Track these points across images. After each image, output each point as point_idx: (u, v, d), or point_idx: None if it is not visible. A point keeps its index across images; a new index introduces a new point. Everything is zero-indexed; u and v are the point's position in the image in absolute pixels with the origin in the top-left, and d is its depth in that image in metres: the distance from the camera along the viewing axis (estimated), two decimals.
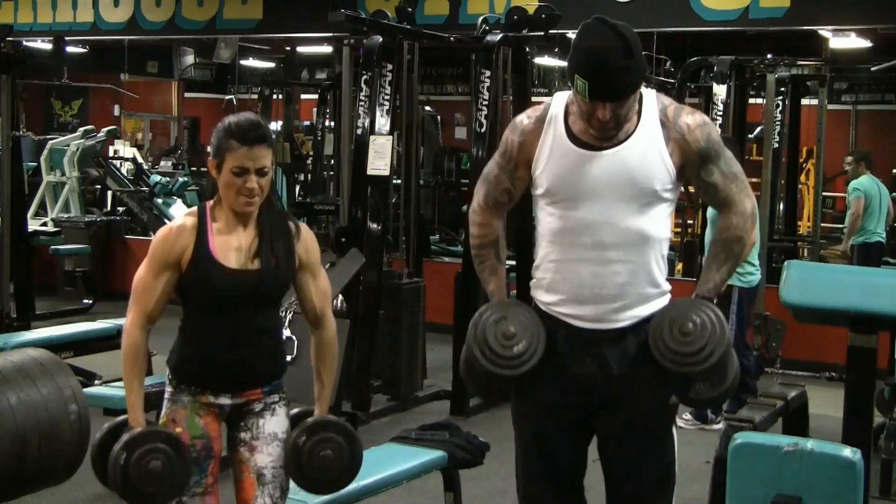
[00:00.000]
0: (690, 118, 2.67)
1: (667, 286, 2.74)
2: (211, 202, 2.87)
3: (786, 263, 4.20)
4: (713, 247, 2.73)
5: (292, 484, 2.95)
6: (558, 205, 2.68)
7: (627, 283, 2.66)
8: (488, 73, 6.52)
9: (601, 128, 2.58)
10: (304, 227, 2.98)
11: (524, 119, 2.78)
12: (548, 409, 2.79)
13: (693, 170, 2.66)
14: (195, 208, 2.90)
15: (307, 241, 2.94)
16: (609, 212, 2.62)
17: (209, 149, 2.86)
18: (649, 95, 2.69)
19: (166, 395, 2.88)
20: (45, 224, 11.12)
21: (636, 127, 2.63)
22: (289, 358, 3.02)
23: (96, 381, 6.03)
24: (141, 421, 2.80)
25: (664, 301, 2.72)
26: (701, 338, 2.57)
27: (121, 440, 2.74)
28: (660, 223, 2.67)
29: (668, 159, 2.63)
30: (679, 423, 6.22)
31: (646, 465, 2.77)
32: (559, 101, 2.73)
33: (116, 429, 2.83)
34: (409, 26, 6.93)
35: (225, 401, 2.87)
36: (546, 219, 2.73)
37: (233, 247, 2.83)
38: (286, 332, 3.11)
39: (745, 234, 2.69)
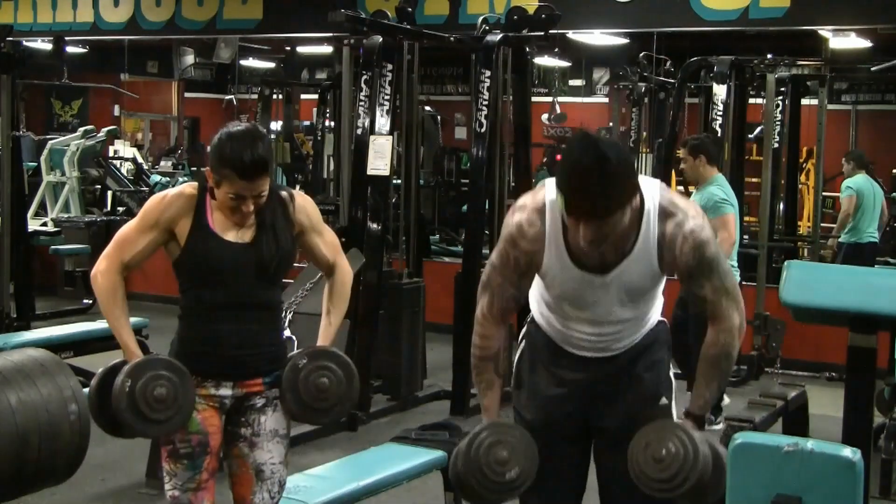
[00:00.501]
0: (686, 240, 2.64)
1: (658, 314, 2.92)
2: (210, 185, 2.88)
3: (786, 263, 4.19)
4: (702, 364, 2.76)
5: (290, 484, 2.95)
6: (563, 303, 2.80)
7: (624, 342, 2.84)
8: (488, 73, 6.52)
9: (588, 244, 2.56)
10: (297, 192, 3.00)
11: (522, 238, 2.71)
12: (547, 425, 2.88)
13: (684, 279, 2.71)
14: (195, 182, 2.89)
15: (305, 206, 2.95)
16: (610, 312, 2.76)
17: (209, 149, 2.86)
18: (651, 202, 2.63)
19: None
20: (45, 224, 11.12)
21: (634, 243, 2.64)
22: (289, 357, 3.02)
23: None
24: (138, 354, 2.80)
25: (655, 319, 2.90)
26: (673, 465, 2.60)
27: (123, 370, 2.74)
28: (654, 304, 2.86)
29: (658, 271, 2.71)
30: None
31: None
32: (552, 212, 2.66)
33: (115, 368, 2.83)
34: (409, 26, 6.93)
35: (226, 392, 2.87)
36: (550, 299, 2.83)
37: (231, 223, 2.83)
38: (286, 332, 3.10)
39: (732, 351, 2.76)
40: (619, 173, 2.47)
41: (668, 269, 2.71)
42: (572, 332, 2.84)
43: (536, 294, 2.91)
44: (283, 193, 2.93)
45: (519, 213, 2.72)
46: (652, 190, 2.65)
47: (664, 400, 2.89)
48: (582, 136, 2.54)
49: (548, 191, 2.67)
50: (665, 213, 2.65)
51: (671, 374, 2.95)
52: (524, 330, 3.03)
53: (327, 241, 3.02)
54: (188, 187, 2.87)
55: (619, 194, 2.48)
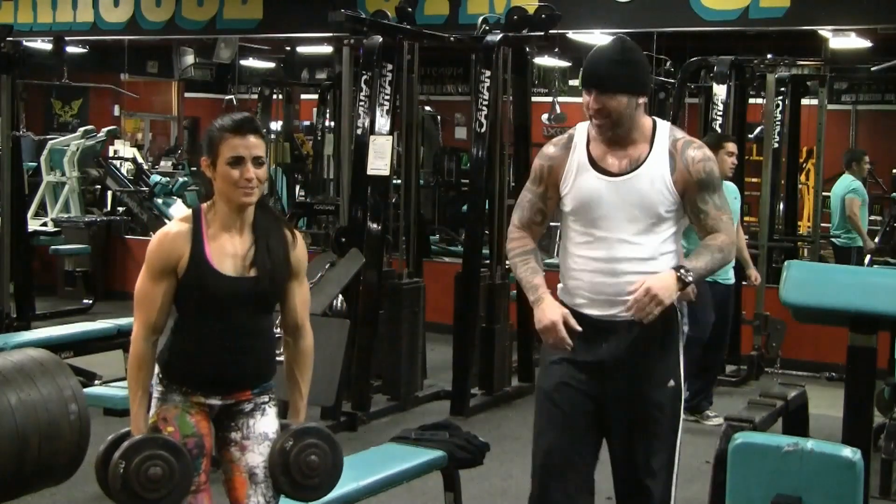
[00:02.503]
0: (697, 152, 3.02)
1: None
2: (205, 206, 2.87)
3: (786, 263, 4.19)
4: (699, 248, 3.03)
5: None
6: (580, 222, 3.05)
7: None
8: (488, 73, 6.52)
9: (598, 124, 2.96)
10: (299, 235, 3.00)
11: (551, 147, 3.14)
12: (565, 377, 3.10)
13: (690, 196, 3.00)
14: (189, 213, 2.90)
15: (300, 251, 2.96)
16: (621, 230, 2.99)
17: (202, 143, 2.87)
18: (663, 127, 3.05)
19: (155, 394, 2.88)
20: (45, 224, 11.12)
21: (647, 156, 3.00)
22: (280, 358, 3.03)
23: (96, 381, 6.03)
24: (143, 430, 2.81)
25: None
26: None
27: (119, 449, 2.75)
28: (666, 239, 3.03)
29: (671, 186, 2.99)
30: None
31: (651, 447, 3.02)
32: (581, 129, 3.10)
33: (119, 440, 2.84)
34: (409, 26, 6.93)
35: (215, 401, 2.88)
36: (570, 234, 3.09)
37: (228, 253, 2.83)
38: (277, 332, 3.11)
39: (728, 255, 3.03)
40: (631, 57, 2.97)
41: (680, 183, 2.97)
42: (585, 275, 3.02)
43: (564, 264, 3.12)
44: (287, 231, 2.94)
45: (552, 141, 3.18)
46: (664, 122, 3.08)
47: (672, 382, 3.04)
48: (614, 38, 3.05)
49: (579, 125, 3.11)
50: (675, 134, 3.04)
51: (681, 358, 3.08)
52: None
53: (303, 296, 3.00)
54: (183, 221, 2.86)
55: (626, 73, 2.94)
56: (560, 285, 3.15)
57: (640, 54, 3.00)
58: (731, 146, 6.18)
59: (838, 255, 9.24)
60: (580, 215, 3.03)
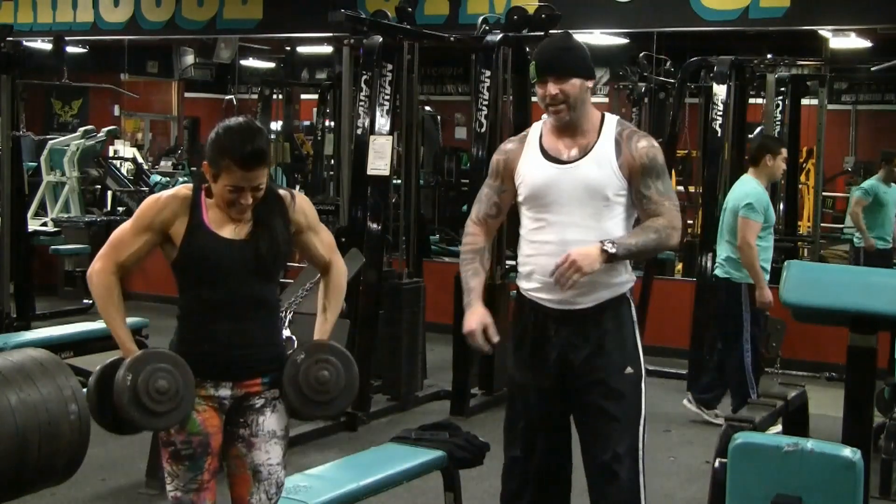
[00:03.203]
0: (642, 140, 3.19)
1: (628, 275, 3.23)
2: (205, 186, 2.88)
3: (786, 263, 4.19)
4: (639, 227, 3.17)
5: (290, 484, 2.95)
6: (533, 209, 3.21)
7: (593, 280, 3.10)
8: (488, 73, 6.52)
9: (555, 111, 3.14)
10: (296, 193, 3.02)
11: (507, 143, 3.37)
12: (529, 372, 3.26)
13: (635, 182, 3.15)
14: (190, 183, 2.90)
15: (303, 206, 2.98)
16: (572, 214, 3.13)
17: (206, 146, 2.86)
18: (610, 119, 3.23)
19: None
20: (45, 224, 11.12)
21: (594, 144, 3.17)
22: (286, 334, 3.04)
23: None
24: (135, 350, 2.81)
25: (626, 287, 3.21)
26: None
27: (124, 364, 2.75)
28: (616, 222, 3.16)
29: (617, 170, 3.14)
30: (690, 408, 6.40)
31: (614, 432, 3.14)
32: (536, 126, 3.30)
33: (113, 365, 2.83)
34: (409, 26, 6.93)
35: (225, 392, 2.87)
36: (524, 221, 3.26)
37: (228, 220, 2.84)
38: (286, 332, 3.12)
39: (668, 239, 3.14)
40: (576, 44, 3.21)
41: (626, 168, 3.13)
42: (539, 259, 3.16)
43: (520, 251, 3.27)
44: (282, 192, 2.95)
45: (509, 138, 3.44)
46: (612, 115, 3.27)
47: (629, 370, 3.17)
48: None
49: (535, 123, 3.32)
50: (623, 125, 3.23)
51: (638, 346, 3.23)
52: (512, 306, 3.40)
53: (323, 241, 3.05)
54: (183, 188, 2.89)
55: (576, 58, 3.17)
56: (516, 273, 3.32)
57: (582, 45, 3.23)
58: (785, 151, 6.31)
59: (856, 256, 9.15)
60: (533, 202, 3.19)
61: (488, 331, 3.22)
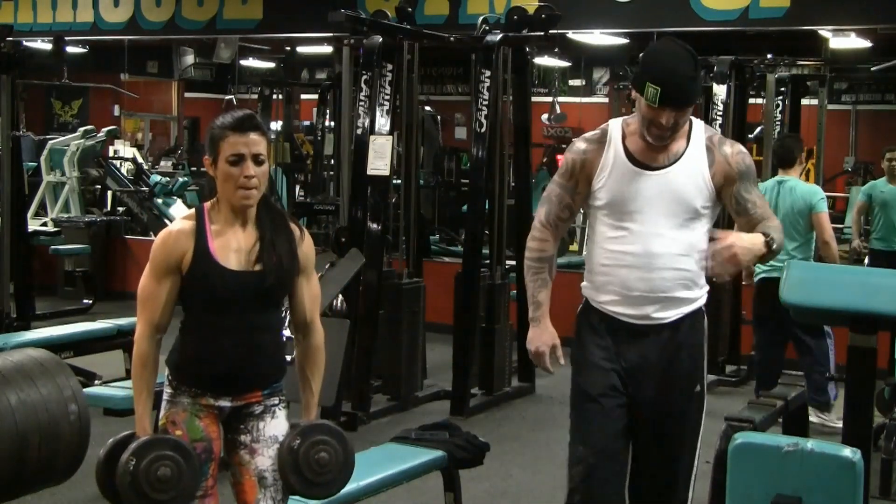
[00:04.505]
0: (735, 147, 3.04)
1: (705, 287, 3.08)
2: (208, 204, 2.86)
3: (786, 263, 4.19)
4: (764, 227, 2.96)
5: None
6: (613, 216, 3.01)
7: (670, 287, 2.99)
8: (488, 73, 6.52)
9: (659, 135, 2.93)
10: (304, 230, 2.98)
11: (583, 143, 3.10)
12: (594, 391, 3.07)
13: (733, 188, 2.99)
14: (193, 211, 2.88)
15: (307, 246, 2.94)
16: (657, 224, 2.96)
17: (204, 143, 2.86)
18: (698, 124, 3.04)
19: (165, 397, 2.87)
20: (45, 224, 11.12)
21: (685, 151, 2.99)
22: (289, 358, 3.01)
23: (96, 381, 6.03)
24: (149, 431, 2.80)
25: (703, 300, 3.08)
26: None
27: (129, 448, 2.74)
28: (699, 235, 3.01)
29: (709, 181, 2.98)
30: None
31: (675, 451, 3.07)
32: (615, 125, 3.07)
33: (124, 441, 2.82)
34: (409, 26, 6.93)
35: (224, 403, 2.87)
36: (601, 228, 3.05)
37: (233, 248, 2.82)
38: (286, 333, 3.10)
39: (782, 238, 2.96)
40: (699, 69, 2.94)
41: (719, 176, 2.96)
42: (617, 270, 2.99)
43: (593, 261, 3.08)
44: (294, 226, 2.92)
45: (582, 136, 3.15)
46: (697, 119, 3.07)
47: (698, 388, 3.06)
48: (667, 39, 3.00)
49: (611, 121, 3.10)
50: (710, 130, 3.07)
51: (705, 364, 3.11)
52: (577, 316, 3.18)
53: (312, 292, 2.98)
54: (186, 221, 2.84)
55: (698, 87, 2.96)
56: (585, 283, 3.13)
57: (698, 57, 2.96)
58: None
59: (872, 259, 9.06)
60: (614, 209, 3.00)
61: (556, 352, 3.09)
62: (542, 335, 3.09)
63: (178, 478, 2.72)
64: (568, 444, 3.15)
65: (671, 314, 3.01)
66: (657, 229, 2.95)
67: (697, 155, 2.98)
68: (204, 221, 2.83)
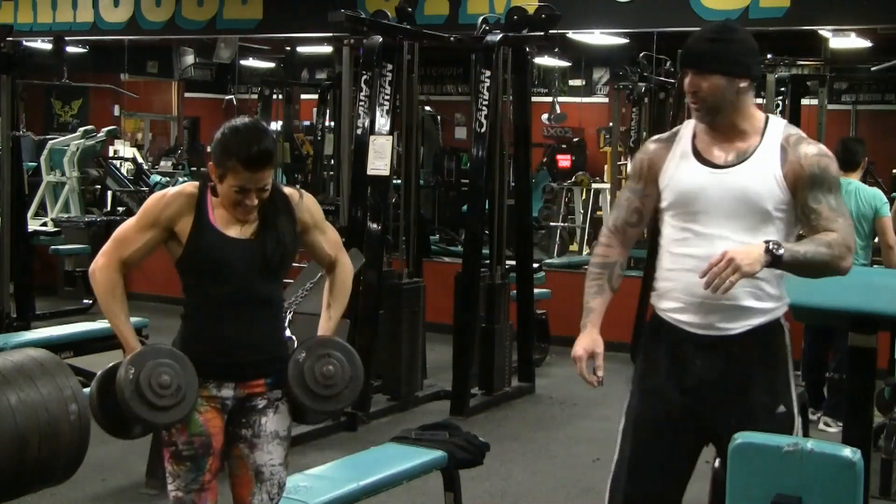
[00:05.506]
0: (812, 148, 2.80)
1: (783, 297, 2.85)
2: (211, 184, 2.87)
3: None
4: (811, 239, 2.75)
5: (290, 484, 2.95)
6: (678, 217, 2.85)
7: (736, 295, 2.73)
8: (488, 73, 6.52)
9: (694, 106, 2.78)
10: (304, 192, 3.01)
11: (653, 141, 3.00)
12: (656, 402, 2.90)
13: (802, 193, 2.75)
14: (196, 182, 2.90)
15: (309, 205, 2.97)
16: (722, 226, 2.76)
17: (209, 149, 2.86)
18: (776, 122, 2.85)
19: None
20: (45, 224, 11.12)
21: (755, 149, 2.78)
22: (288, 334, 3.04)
23: None
24: (138, 347, 2.80)
25: (781, 311, 2.84)
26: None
27: (125, 361, 2.74)
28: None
29: (781, 180, 2.75)
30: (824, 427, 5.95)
31: None
32: (689, 123, 2.92)
33: (114, 368, 2.82)
34: (409, 26, 6.93)
35: (228, 393, 2.86)
36: (667, 230, 2.89)
37: (233, 219, 2.84)
38: (286, 332, 3.11)
39: (841, 261, 2.71)
40: (729, 36, 2.77)
41: (791, 178, 2.74)
42: (680, 275, 2.80)
43: (659, 266, 2.92)
44: (288, 191, 2.95)
45: (654, 136, 3.06)
46: (778, 118, 2.89)
47: (781, 408, 2.85)
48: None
49: (688, 120, 2.94)
50: (790, 129, 2.83)
51: (791, 381, 2.87)
52: (647, 330, 3.03)
53: (329, 239, 3.04)
54: (189, 186, 2.88)
55: (722, 52, 2.75)
56: (653, 291, 2.97)
57: (742, 34, 2.80)
58: None
59: None
60: (678, 209, 2.84)
61: (596, 360, 2.88)
62: (584, 339, 2.92)
63: (178, 383, 2.72)
64: (614, 460, 3.01)
65: (738, 325, 2.78)
66: (722, 231, 2.75)
67: (769, 153, 2.77)
68: (206, 194, 2.85)
